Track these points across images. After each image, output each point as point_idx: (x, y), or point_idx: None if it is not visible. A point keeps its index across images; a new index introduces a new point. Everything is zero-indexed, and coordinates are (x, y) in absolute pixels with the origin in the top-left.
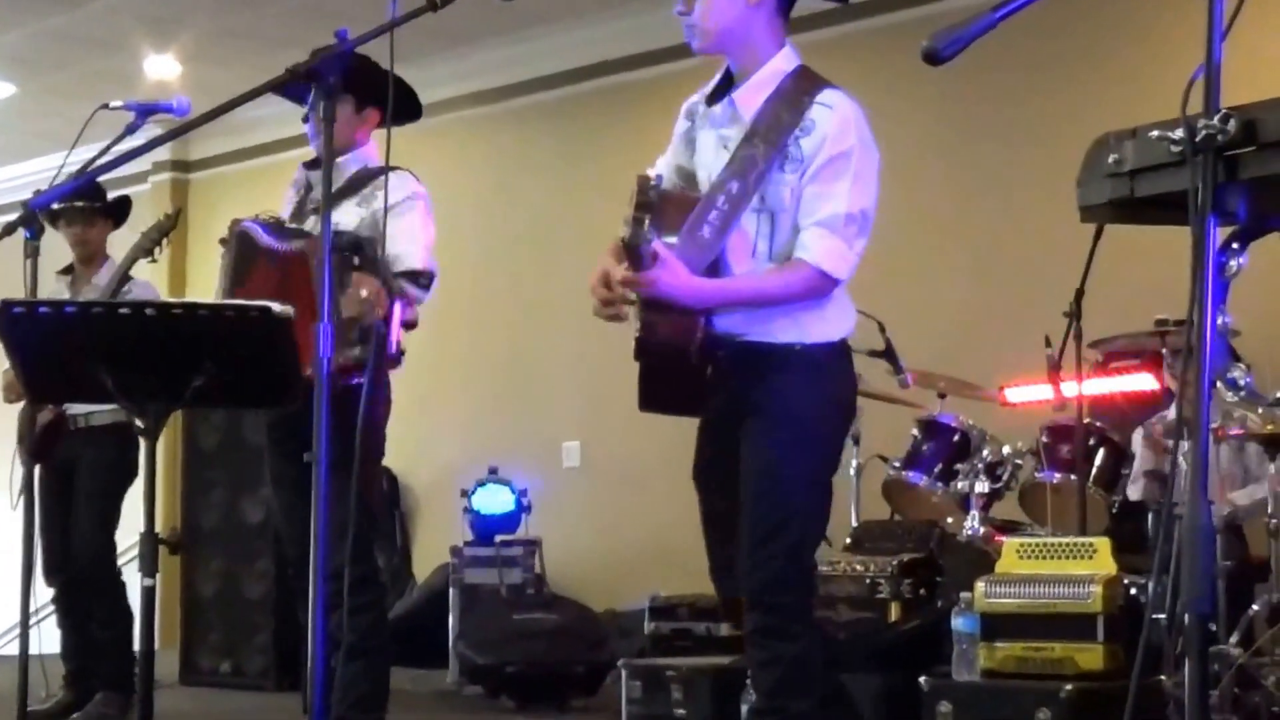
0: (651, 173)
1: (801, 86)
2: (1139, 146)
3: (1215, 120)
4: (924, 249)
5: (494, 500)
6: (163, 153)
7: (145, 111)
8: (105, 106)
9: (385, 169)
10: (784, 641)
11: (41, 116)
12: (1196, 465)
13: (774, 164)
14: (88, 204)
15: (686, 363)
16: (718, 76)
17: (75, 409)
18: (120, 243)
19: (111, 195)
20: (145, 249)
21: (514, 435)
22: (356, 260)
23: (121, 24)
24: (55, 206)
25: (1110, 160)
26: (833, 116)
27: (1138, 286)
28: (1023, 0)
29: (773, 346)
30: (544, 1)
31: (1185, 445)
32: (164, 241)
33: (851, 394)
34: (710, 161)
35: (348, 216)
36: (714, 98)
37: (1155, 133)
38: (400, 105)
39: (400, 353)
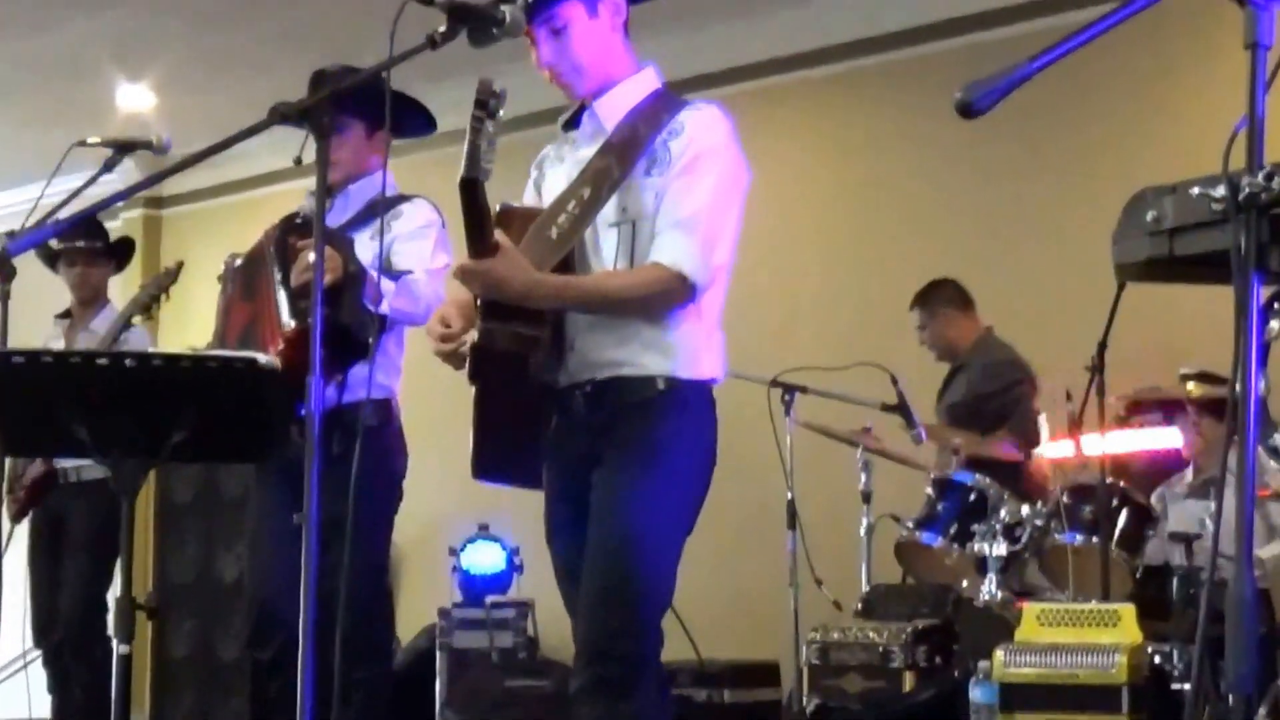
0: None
1: (665, 103)
2: (1179, 203)
3: (1259, 177)
4: None
5: (484, 559)
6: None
7: (123, 149)
8: (81, 143)
9: (392, 195)
10: (620, 699)
11: (10, 147)
12: (1240, 534)
13: (636, 170)
14: (89, 244)
15: (524, 392)
16: (575, 106)
17: (66, 461)
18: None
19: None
20: (144, 304)
21: (506, 490)
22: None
23: (92, 51)
24: (56, 246)
25: (1148, 217)
26: (703, 117)
27: (1162, 339)
28: (1058, 52)
29: (636, 381)
30: None
31: (1213, 506)
32: (164, 296)
33: (715, 443)
34: (563, 188)
35: (362, 249)
36: (571, 124)
37: (1196, 189)
38: (411, 121)
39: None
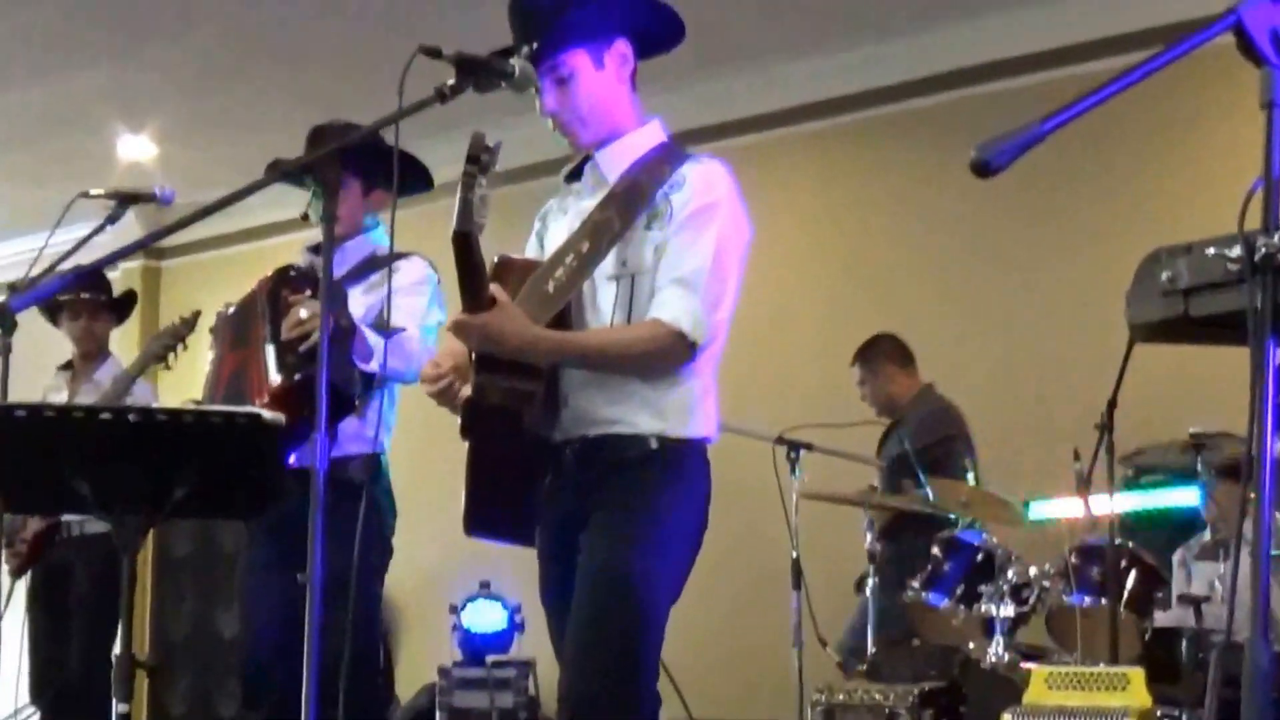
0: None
1: (669, 156)
2: (1194, 263)
3: (1275, 237)
4: (945, 358)
5: (485, 617)
6: (133, 237)
7: (127, 200)
8: (85, 194)
9: (394, 254)
10: None
11: (11, 198)
12: (1256, 598)
13: (637, 224)
14: (94, 297)
15: (518, 448)
16: (580, 158)
17: (68, 515)
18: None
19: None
20: (158, 355)
21: (506, 549)
22: (309, 291)
23: (94, 102)
24: (60, 299)
25: (1163, 278)
26: (705, 172)
27: (1171, 398)
28: (1074, 110)
29: (628, 439)
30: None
31: (1223, 568)
32: (180, 347)
33: (707, 505)
34: (561, 241)
35: (354, 305)
36: (574, 175)
37: (1211, 250)
38: (411, 179)
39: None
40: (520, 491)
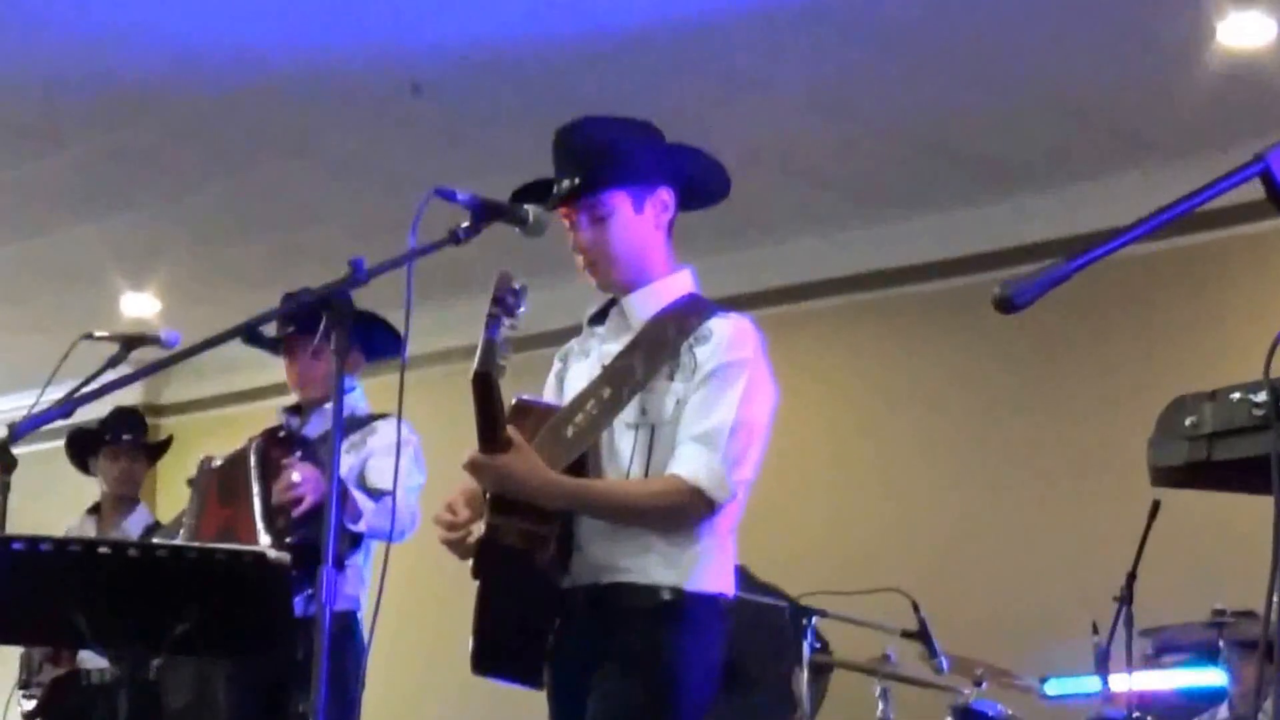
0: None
1: (697, 307)
2: (1218, 408)
3: None
4: (960, 525)
5: None
6: (134, 396)
7: (130, 344)
8: (89, 336)
9: (397, 416)
10: None
11: (10, 352)
12: None
13: (659, 374)
14: (135, 438)
15: (529, 589)
16: (605, 301)
17: (90, 663)
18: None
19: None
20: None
21: (494, 714)
22: (299, 453)
23: (97, 257)
24: (103, 438)
25: (1187, 422)
26: (732, 327)
27: (1193, 572)
28: (1100, 251)
29: (640, 590)
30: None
31: None
32: None
33: (720, 661)
34: (584, 384)
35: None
36: (598, 318)
37: (1236, 395)
38: (381, 343)
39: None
40: (529, 633)
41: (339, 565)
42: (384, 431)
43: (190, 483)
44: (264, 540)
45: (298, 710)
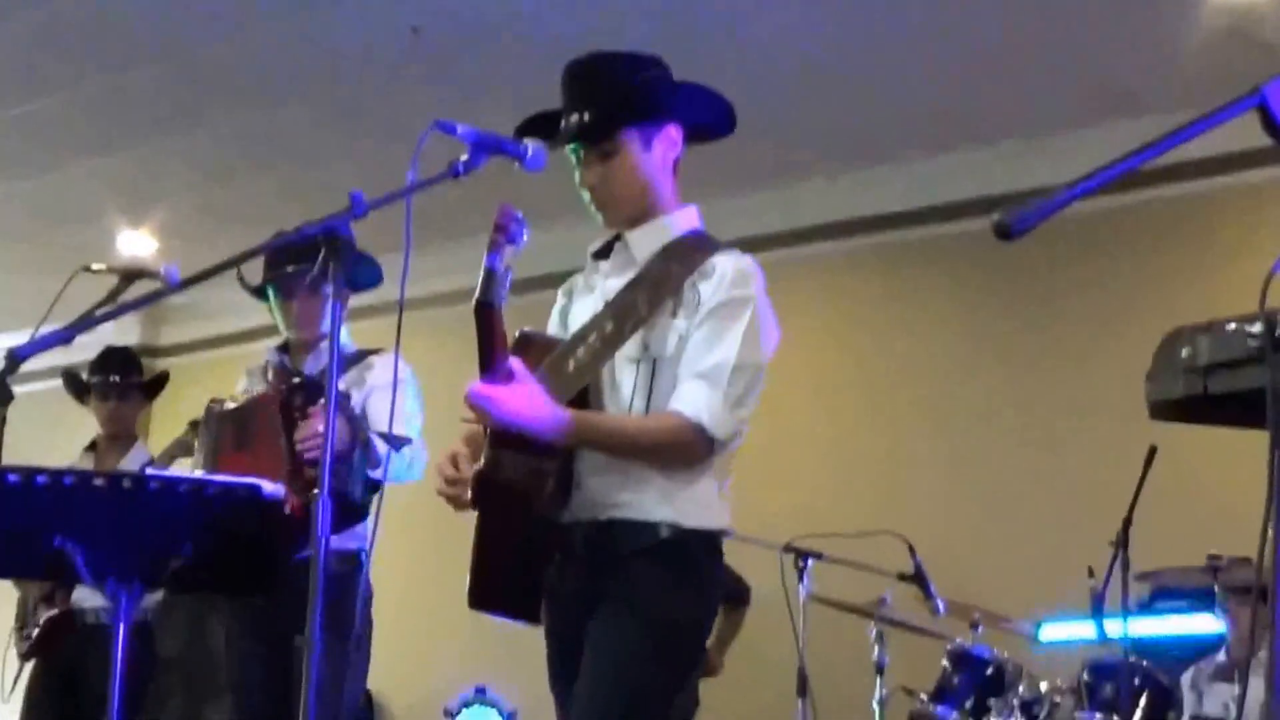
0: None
1: (701, 243)
2: (1214, 340)
3: None
4: (956, 470)
5: None
6: (131, 336)
7: (128, 277)
8: (87, 269)
9: (385, 352)
10: None
11: (6, 291)
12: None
13: (663, 310)
14: (125, 380)
15: (527, 525)
16: (610, 236)
17: (84, 603)
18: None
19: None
20: (189, 445)
21: (505, 651)
22: (322, 401)
23: (94, 195)
24: (89, 380)
25: (1183, 354)
26: (736, 263)
27: (1190, 517)
28: (1099, 179)
29: (639, 526)
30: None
31: (1235, 689)
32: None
33: (719, 598)
34: (588, 318)
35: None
36: (602, 253)
37: (1232, 326)
38: (363, 276)
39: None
40: (527, 569)
41: (362, 518)
42: (380, 367)
43: (194, 424)
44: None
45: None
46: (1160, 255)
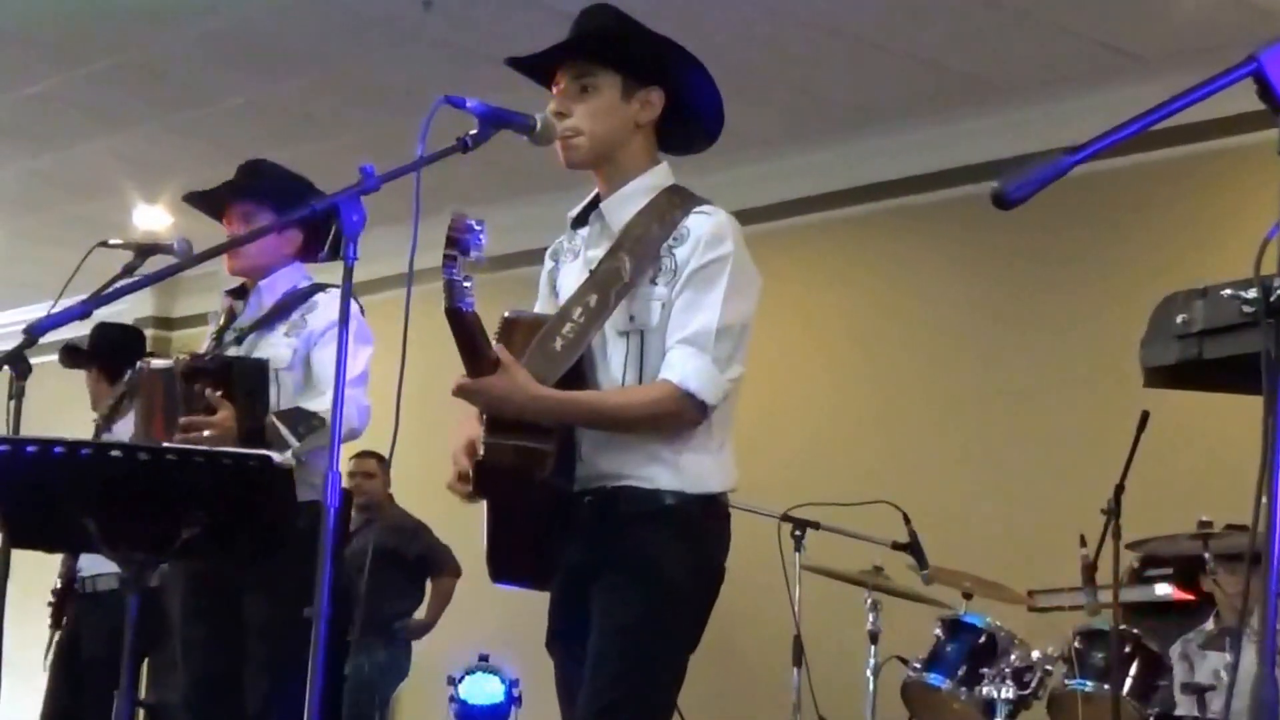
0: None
1: (676, 201)
2: (1209, 306)
3: None
4: (949, 439)
5: (482, 690)
6: (146, 308)
7: (144, 251)
8: (103, 244)
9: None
10: None
11: (25, 263)
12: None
13: (644, 277)
14: (99, 359)
15: (534, 504)
16: (585, 201)
17: (85, 570)
18: None
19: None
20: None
21: (507, 620)
22: (220, 392)
23: (109, 170)
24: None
25: (1178, 320)
26: (709, 222)
27: (1181, 485)
28: (1096, 146)
29: (644, 494)
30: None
31: (1228, 658)
32: None
33: (724, 560)
34: (574, 289)
35: (278, 350)
36: (580, 221)
37: (1227, 291)
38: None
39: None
40: (541, 541)
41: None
42: (325, 306)
43: (131, 382)
44: None
45: (256, 612)
46: (1156, 220)
